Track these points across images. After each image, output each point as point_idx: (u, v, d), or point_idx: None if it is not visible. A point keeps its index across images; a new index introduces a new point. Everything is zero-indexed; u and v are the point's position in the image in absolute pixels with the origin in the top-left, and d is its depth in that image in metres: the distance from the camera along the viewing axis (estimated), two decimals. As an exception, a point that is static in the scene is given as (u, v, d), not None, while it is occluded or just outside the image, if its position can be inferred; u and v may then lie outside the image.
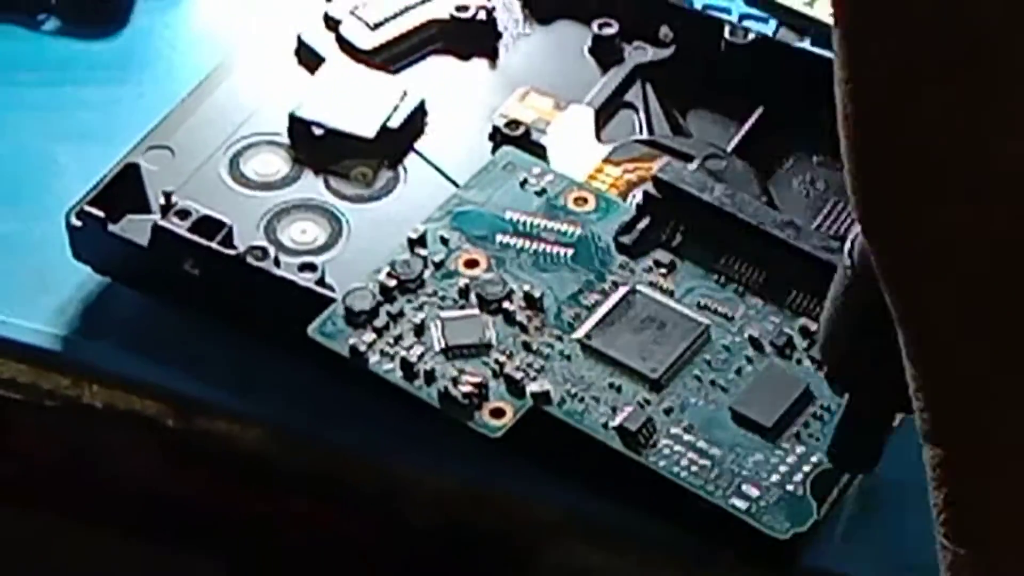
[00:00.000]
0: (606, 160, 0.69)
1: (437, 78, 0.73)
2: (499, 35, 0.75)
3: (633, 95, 0.72)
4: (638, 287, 0.65)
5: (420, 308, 0.64)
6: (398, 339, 0.63)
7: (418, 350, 0.63)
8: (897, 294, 0.39)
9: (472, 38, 0.74)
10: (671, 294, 0.64)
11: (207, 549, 0.72)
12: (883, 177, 0.36)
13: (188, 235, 0.66)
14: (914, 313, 0.39)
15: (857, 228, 0.43)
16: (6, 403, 0.68)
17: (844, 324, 0.47)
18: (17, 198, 0.73)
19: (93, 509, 0.72)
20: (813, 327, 0.62)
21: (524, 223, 0.66)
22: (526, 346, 0.63)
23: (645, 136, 0.71)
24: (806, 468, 0.60)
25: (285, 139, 0.71)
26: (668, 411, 0.62)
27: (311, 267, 0.66)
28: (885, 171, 0.36)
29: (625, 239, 0.66)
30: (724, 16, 0.74)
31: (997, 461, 0.39)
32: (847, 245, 0.45)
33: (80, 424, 0.68)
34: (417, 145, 0.71)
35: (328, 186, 0.70)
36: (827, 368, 0.52)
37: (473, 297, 0.64)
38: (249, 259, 0.65)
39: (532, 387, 0.62)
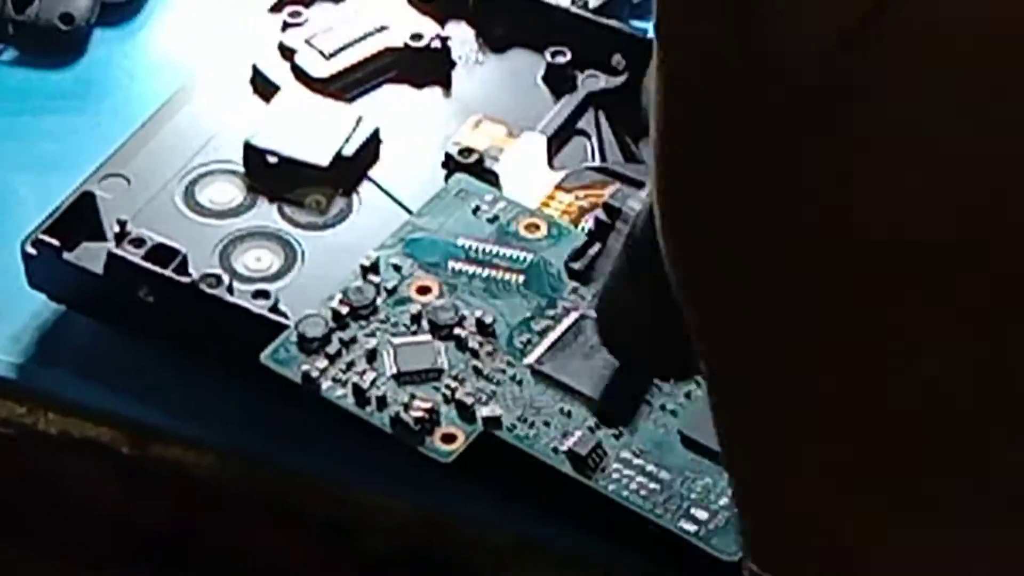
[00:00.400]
0: (558, 187, 0.69)
1: (391, 106, 0.73)
2: (453, 64, 0.75)
3: (586, 123, 0.72)
4: (589, 313, 0.64)
5: (372, 334, 0.64)
6: (350, 365, 0.63)
7: (370, 376, 0.63)
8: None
9: (426, 66, 0.74)
10: (621, 319, 0.64)
11: (163, 575, 0.71)
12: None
13: (142, 263, 0.66)
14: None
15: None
16: None
17: (622, 295, 0.48)
18: None
19: (48, 536, 0.71)
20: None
21: (476, 250, 0.66)
22: (477, 372, 0.63)
23: (597, 163, 0.71)
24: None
25: (240, 167, 0.71)
26: (618, 435, 0.61)
27: (264, 294, 0.66)
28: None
29: (576, 265, 0.66)
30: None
31: (794, 486, 0.38)
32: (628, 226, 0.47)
33: (35, 451, 0.68)
34: (371, 173, 0.71)
35: (282, 214, 0.70)
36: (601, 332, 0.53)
37: (425, 323, 0.64)
38: (203, 287, 0.65)
39: (483, 412, 0.62)
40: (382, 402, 0.62)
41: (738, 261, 0.35)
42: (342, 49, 0.74)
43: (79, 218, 0.67)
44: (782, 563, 0.40)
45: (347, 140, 0.70)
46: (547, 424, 0.62)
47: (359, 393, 0.62)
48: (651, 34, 0.76)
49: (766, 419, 0.37)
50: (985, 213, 0.32)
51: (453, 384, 0.63)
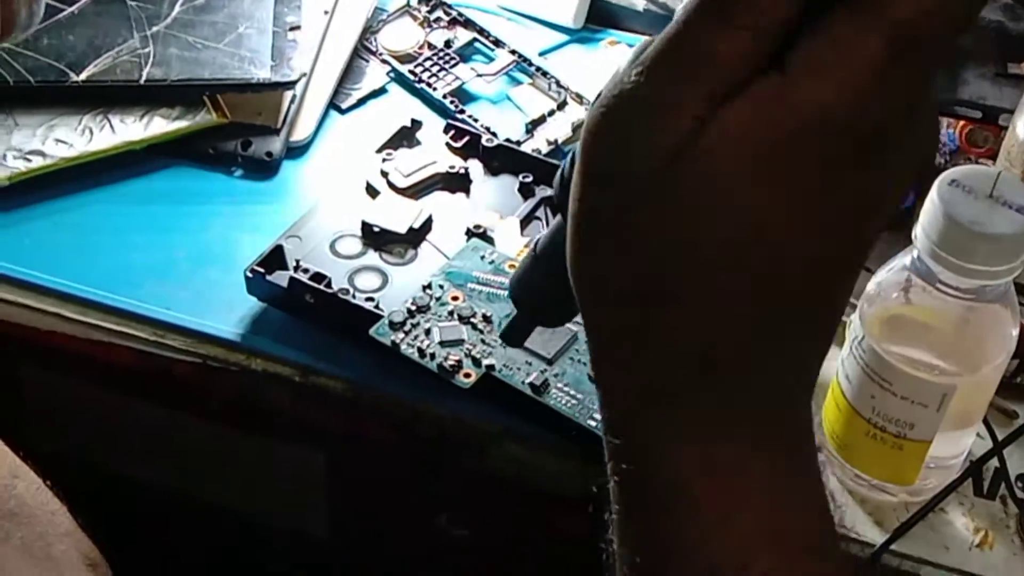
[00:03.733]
0: (526, 245, 0.69)
1: (439, 203, 0.72)
2: (470, 181, 0.74)
3: (540, 213, 0.72)
4: None
5: (428, 320, 0.63)
6: (416, 337, 0.63)
7: (427, 343, 0.62)
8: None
9: (458, 182, 0.73)
10: (558, 315, 0.64)
11: (312, 445, 0.70)
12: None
13: (308, 282, 0.65)
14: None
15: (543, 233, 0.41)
16: (209, 370, 0.67)
17: (528, 278, 0.43)
18: (221, 262, 0.71)
19: (256, 424, 0.70)
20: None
21: (482, 278, 0.66)
22: (483, 341, 0.63)
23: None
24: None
25: (359, 233, 0.70)
26: (556, 375, 0.62)
27: (372, 299, 0.65)
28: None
29: None
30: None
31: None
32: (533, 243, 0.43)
33: (250, 380, 0.67)
34: (428, 237, 0.70)
35: (382, 258, 0.69)
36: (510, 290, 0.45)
37: (456, 316, 0.64)
38: (339, 295, 0.65)
39: (486, 362, 0.62)
40: (432, 356, 0.62)
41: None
42: (413, 172, 0.73)
43: (274, 258, 0.67)
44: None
45: (415, 219, 0.69)
46: (519, 369, 0.62)
47: (421, 352, 0.62)
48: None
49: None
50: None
51: (469, 347, 0.62)
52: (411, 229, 0.69)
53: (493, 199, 0.72)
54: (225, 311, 0.68)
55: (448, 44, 0.85)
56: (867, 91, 0.29)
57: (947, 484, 0.61)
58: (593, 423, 0.59)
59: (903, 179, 0.31)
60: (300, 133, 0.79)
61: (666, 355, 0.32)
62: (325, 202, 0.71)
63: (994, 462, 0.61)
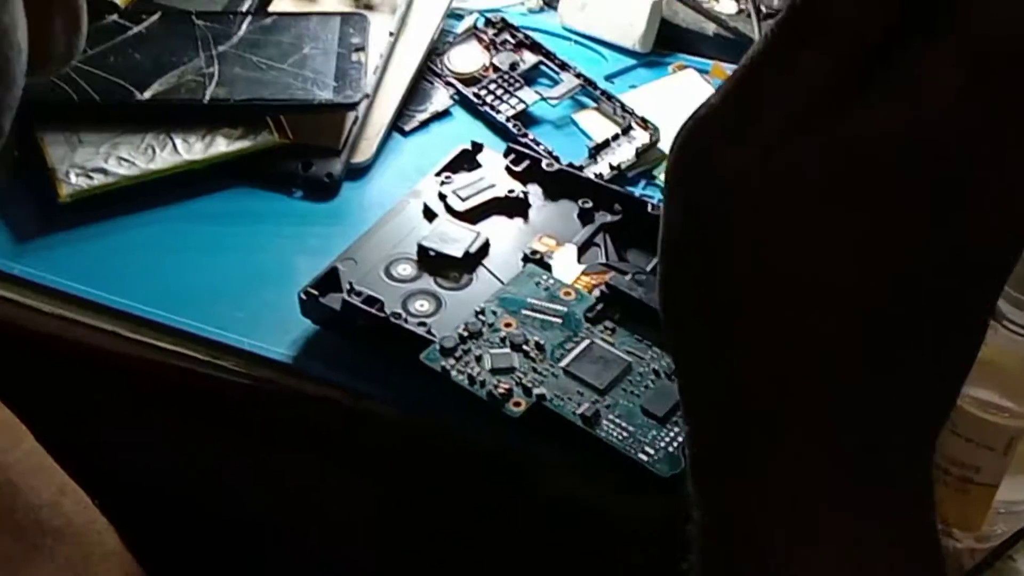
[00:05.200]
0: (583, 273, 0.68)
1: (496, 227, 0.72)
2: (529, 205, 0.73)
3: (599, 239, 0.71)
4: (595, 340, 0.63)
5: (480, 347, 0.63)
6: (467, 364, 0.62)
7: (477, 370, 0.62)
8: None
9: (515, 207, 0.73)
10: (613, 344, 0.63)
11: (361, 469, 0.70)
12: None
13: (361, 305, 0.65)
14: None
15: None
16: (266, 393, 0.67)
17: None
18: (277, 283, 0.71)
19: (306, 447, 0.70)
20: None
21: (537, 305, 0.65)
22: (534, 369, 0.62)
23: (603, 261, 0.69)
24: (680, 439, 0.59)
25: (415, 257, 0.69)
26: (608, 407, 0.61)
27: (424, 324, 0.65)
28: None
29: (590, 315, 0.65)
30: (648, 198, 0.72)
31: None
32: None
33: (303, 404, 0.67)
34: (484, 262, 0.70)
35: (436, 282, 0.68)
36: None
37: (508, 343, 0.63)
38: (392, 319, 0.65)
39: (537, 391, 0.61)
40: (483, 384, 0.61)
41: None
42: (471, 196, 0.72)
43: (329, 281, 0.67)
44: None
45: (471, 244, 0.69)
46: (570, 399, 0.61)
47: (471, 379, 0.61)
48: (637, 192, 0.75)
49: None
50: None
51: (521, 375, 0.62)
52: (467, 253, 0.69)
53: (552, 224, 0.72)
54: (279, 333, 0.68)
55: (514, 67, 0.85)
56: (945, 125, 0.27)
57: (1016, 530, 0.59)
58: (644, 457, 0.58)
59: (1008, 212, 0.29)
60: (361, 155, 0.79)
61: (739, 399, 0.31)
62: (381, 225, 0.71)
63: (1066, 510, 0.59)
